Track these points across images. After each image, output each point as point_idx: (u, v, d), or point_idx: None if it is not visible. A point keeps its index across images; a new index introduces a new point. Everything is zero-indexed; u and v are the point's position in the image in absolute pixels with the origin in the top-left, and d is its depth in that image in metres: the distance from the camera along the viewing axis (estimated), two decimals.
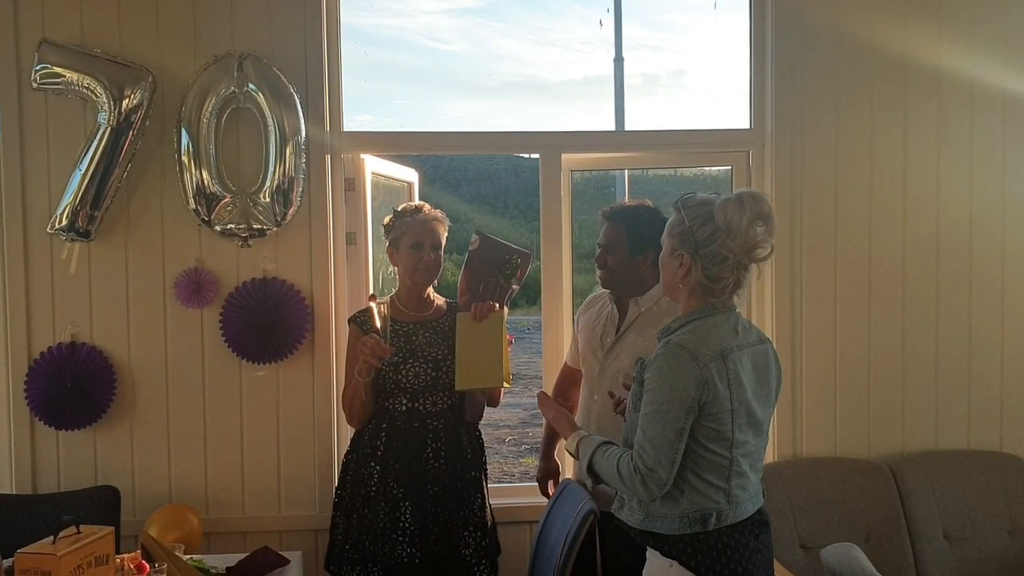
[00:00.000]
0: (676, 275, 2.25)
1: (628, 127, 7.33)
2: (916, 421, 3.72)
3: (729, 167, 3.79)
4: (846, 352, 3.69)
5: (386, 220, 3.15)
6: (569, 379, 3.26)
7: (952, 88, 3.70)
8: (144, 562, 2.50)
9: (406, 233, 3.05)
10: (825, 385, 3.68)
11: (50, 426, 3.42)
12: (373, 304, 2.92)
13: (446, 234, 3.13)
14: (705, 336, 2.18)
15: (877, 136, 3.67)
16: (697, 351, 2.13)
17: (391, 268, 3.22)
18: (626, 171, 4.34)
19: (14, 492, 3.44)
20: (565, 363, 3.33)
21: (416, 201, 3.41)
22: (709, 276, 2.20)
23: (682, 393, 2.11)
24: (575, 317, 3.29)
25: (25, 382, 3.41)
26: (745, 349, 2.22)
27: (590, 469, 2.28)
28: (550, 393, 3.35)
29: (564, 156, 3.72)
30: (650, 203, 2.99)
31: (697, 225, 2.20)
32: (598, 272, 3.01)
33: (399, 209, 3.13)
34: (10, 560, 2.48)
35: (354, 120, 3.66)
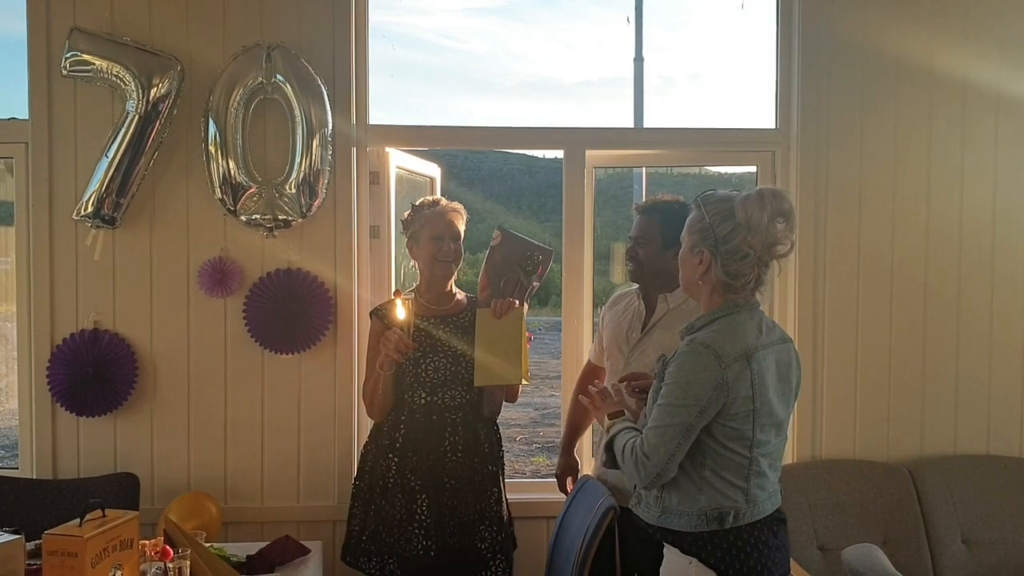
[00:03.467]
0: (696, 272, 2.25)
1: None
2: (936, 425, 3.71)
3: (754, 167, 3.78)
4: (867, 354, 3.68)
5: (405, 215, 3.16)
6: (592, 375, 3.24)
7: (977, 95, 3.69)
8: (168, 547, 2.50)
9: (426, 226, 3.06)
10: (845, 387, 3.67)
11: (71, 412, 3.44)
12: (398, 300, 2.92)
13: (464, 226, 3.14)
14: (732, 335, 2.17)
15: (902, 139, 3.66)
16: (722, 351, 2.12)
17: (412, 262, 3.23)
18: (644, 170, 4.33)
19: (35, 477, 3.46)
20: (588, 360, 3.32)
21: (437, 195, 3.41)
22: (729, 273, 2.19)
23: (697, 392, 2.10)
24: (600, 313, 3.28)
25: (47, 368, 3.43)
26: (769, 348, 2.21)
27: (609, 446, 2.30)
28: (572, 391, 3.34)
29: (588, 153, 3.71)
30: (682, 199, 2.98)
31: (717, 221, 2.19)
32: (628, 265, 2.99)
33: (416, 204, 3.14)
34: (32, 543, 2.50)
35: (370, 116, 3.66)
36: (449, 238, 3.07)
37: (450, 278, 3.15)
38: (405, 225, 3.14)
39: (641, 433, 2.23)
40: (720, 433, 2.14)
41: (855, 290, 3.67)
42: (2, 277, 3.71)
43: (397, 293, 3.03)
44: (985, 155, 3.71)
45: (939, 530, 3.48)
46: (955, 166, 3.69)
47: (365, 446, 3.16)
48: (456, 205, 3.14)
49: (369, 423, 3.19)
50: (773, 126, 3.73)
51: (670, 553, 2.25)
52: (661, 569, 2.30)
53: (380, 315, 3.10)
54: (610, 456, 2.30)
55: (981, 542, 3.49)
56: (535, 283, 3.13)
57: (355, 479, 3.16)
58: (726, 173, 4.33)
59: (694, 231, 2.25)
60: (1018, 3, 3.71)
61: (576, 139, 3.70)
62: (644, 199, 3.15)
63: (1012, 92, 3.69)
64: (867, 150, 3.65)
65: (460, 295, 3.21)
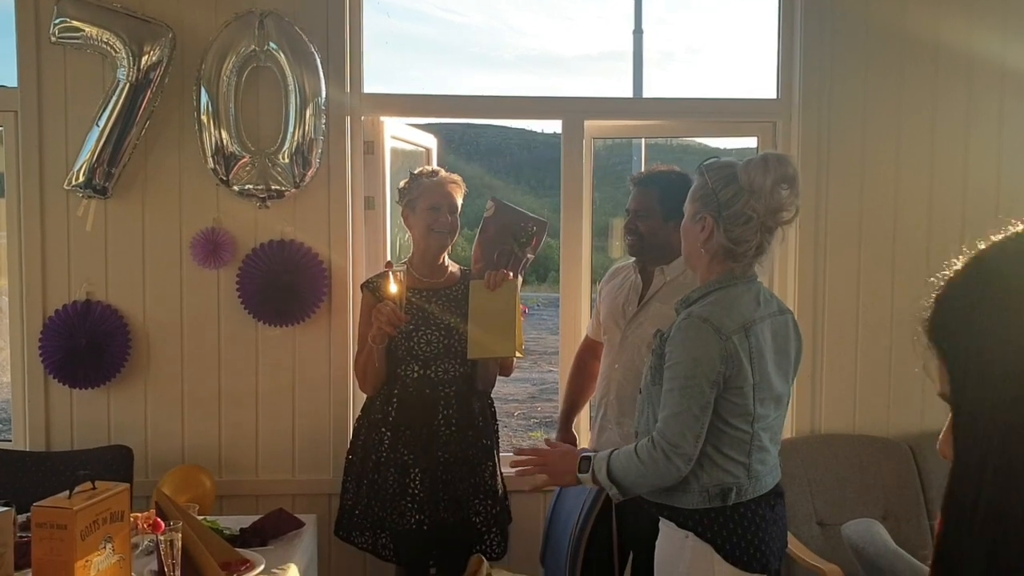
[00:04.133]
0: (698, 239, 2.20)
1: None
2: (936, 399, 3.60)
3: (755, 139, 3.73)
4: (868, 328, 3.64)
5: (402, 183, 3.12)
6: (589, 351, 3.22)
7: (982, 68, 3.63)
8: (159, 519, 2.48)
9: (423, 195, 3.02)
10: (845, 360, 3.64)
11: (64, 384, 3.41)
12: (390, 272, 2.88)
13: (462, 199, 3.10)
14: (728, 308, 2.13)
15: (905, 111, 3.61)
16: (720, 324, 2.08)
17: (407, 234, 3.19)
18: (643, 143, 4.28)
19: (27, 449, 3.44)
20: (586, 335, 3.29)
21: (434, 166, 3.36)
22: (732, 238, 2.15)
23: (706, 367, 2.06)
24: (598, 288, 3.24)
25: (40, 339, 3.40)
26: (766, 320, 2.18)
27: (613, 481, 2.16)
28: (570, 366, 3.31)
29: (587, 124, 3.65)
30: (679, 169, 2.92)
31: (720, 186, 2.15)
32: (627, 239, 2.95)
33: (415, 172, 3.10)
34: (23, 516, 2.48)
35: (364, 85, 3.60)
36: (446, 209, 3.03)
37: (444, 250, 3.11)
38: (402, 193, 3.10)
39: (639, 438, 2.19)
40: (724, 410, 2.11)
41: (856, 263, 3.63)
42: None
43: (388, 265, 2.99)
44: (990, 127, 3.65)
45: (939, 505, 3.46)
46: (959, 138, 3.64)
47: (358, 420, 3.14)
48: (455, 177, 3.09)
49: (363, 396, 3.16)
50: (774, 96, 3.68)
51: (666, 527, 2.24)
52: (657, 543, 2.28)
53: (372, 288, 3.06)
54: (621, 486, 2.16)
55: None
56: (529, 255, 3.09)
57: (348, 454, 3.14)
58: (726, 148, 4.26)
59: (696, 198, 2.21)
60: None
61: (574, 109, 3.65)
62: (644, 170, 3.10)
63: (1017, 65, 3.64)
64: (870, 121, 3.60)
65: (453, 267, 3.17)
